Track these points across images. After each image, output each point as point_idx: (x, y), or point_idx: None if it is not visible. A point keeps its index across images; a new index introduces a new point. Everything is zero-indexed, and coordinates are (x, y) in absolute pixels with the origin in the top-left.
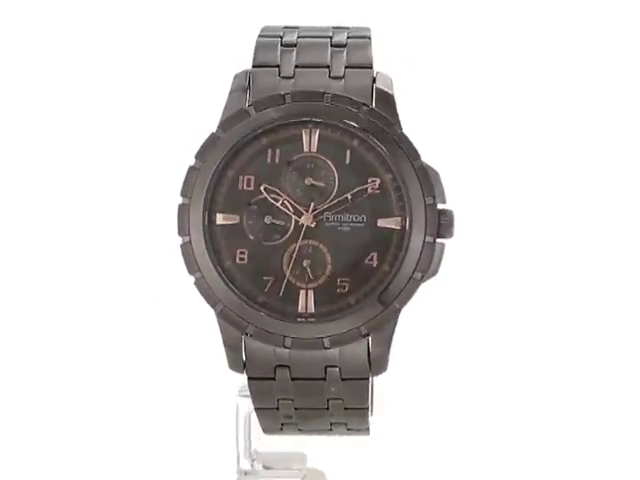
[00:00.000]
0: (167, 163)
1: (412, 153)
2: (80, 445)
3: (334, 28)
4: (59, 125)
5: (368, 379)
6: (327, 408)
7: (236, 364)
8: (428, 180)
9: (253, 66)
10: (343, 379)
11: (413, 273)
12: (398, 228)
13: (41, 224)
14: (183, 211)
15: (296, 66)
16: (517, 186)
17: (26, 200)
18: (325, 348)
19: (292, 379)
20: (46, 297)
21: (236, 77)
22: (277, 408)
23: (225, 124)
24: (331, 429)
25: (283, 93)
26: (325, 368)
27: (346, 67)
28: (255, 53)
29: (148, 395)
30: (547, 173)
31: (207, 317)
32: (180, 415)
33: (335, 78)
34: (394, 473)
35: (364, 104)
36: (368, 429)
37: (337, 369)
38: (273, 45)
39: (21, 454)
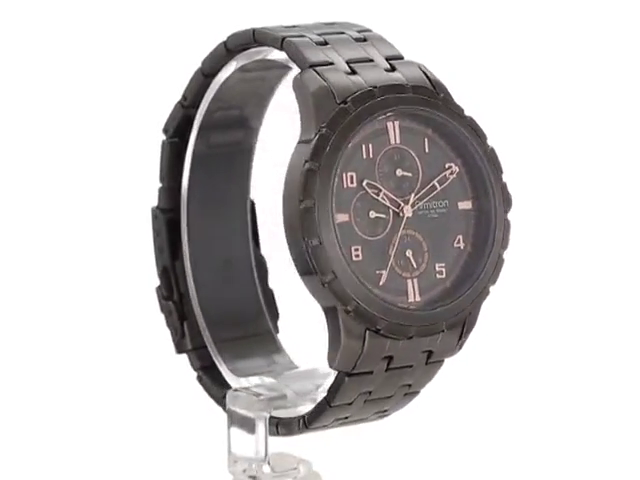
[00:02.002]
0: None
1: (483, 135)
2: (75, 448)
3: (326, 24)
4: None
5: (444, 361)
6: (392, 396)
7: (349, 363)
8: (498, 160)
9: (310, 66)
10: (427, 363)
11: (500, 251)
12: (475, 209)
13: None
14: (310, 213)
15: (347, 62)
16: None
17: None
18: (442, 332)
19: (386, 370)
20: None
21: (305, 75)
22: (350, 403)
23: (331, 124)
24: (368, 417)
25: (372, 88)
26: (418, 354)
27: (387, 59)
28: (304, 53)
29: (146, 397)
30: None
31: None
32: (177, 415)
33: (388, 70)
34: (394, 473)
35: (439, 92)
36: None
37: (426, 354)
38: (310, 44)
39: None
